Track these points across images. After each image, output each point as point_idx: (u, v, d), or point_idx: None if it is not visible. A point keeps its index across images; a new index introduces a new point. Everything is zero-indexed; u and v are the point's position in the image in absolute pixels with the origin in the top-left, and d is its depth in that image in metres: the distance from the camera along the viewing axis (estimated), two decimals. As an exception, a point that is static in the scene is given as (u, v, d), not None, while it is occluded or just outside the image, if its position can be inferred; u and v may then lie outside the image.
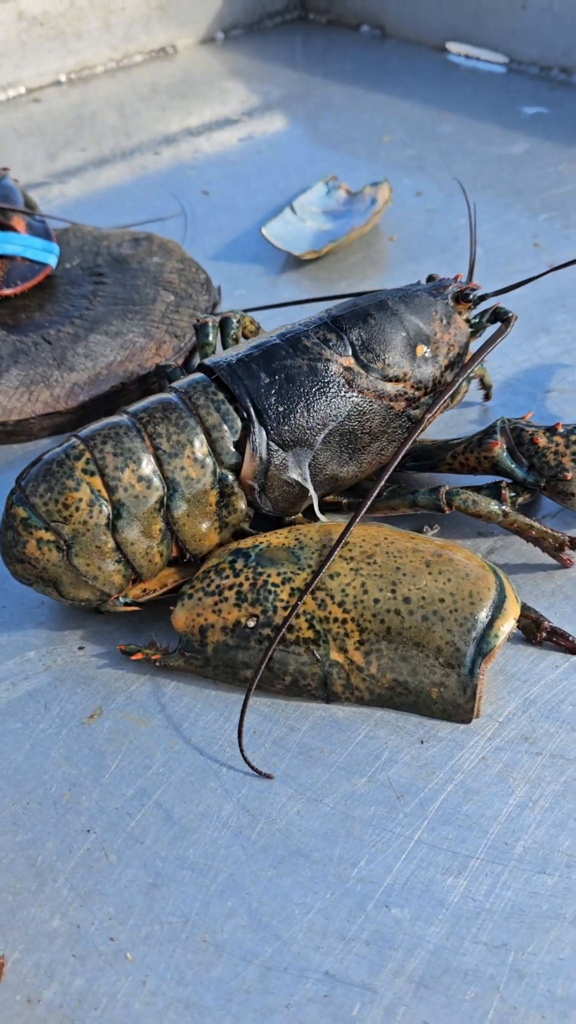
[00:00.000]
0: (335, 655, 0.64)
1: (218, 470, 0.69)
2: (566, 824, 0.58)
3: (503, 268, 1.12)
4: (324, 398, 0.72)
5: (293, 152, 1.47)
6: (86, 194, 1.40)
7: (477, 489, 0.74)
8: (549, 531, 0.72)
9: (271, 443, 0.70)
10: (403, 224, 1.22)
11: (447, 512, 0.72)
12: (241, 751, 0.62)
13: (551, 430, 0.74)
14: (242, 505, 0.71)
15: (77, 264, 1.10)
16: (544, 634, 0.68)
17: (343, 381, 0.72)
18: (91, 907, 0.56)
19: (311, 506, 0.74)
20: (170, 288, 1.04)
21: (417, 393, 0.75)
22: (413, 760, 0.62)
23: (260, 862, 0.58)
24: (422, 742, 0.63)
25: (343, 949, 0.54)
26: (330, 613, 0.64)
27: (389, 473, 0.70)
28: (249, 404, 0.70)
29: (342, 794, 0.61)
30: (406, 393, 0.75)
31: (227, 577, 0.67)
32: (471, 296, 0.79)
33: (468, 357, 0.79)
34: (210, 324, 0.84)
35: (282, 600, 0.65)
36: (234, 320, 0.85)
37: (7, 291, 1.03)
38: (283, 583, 0.66)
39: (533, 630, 0.68)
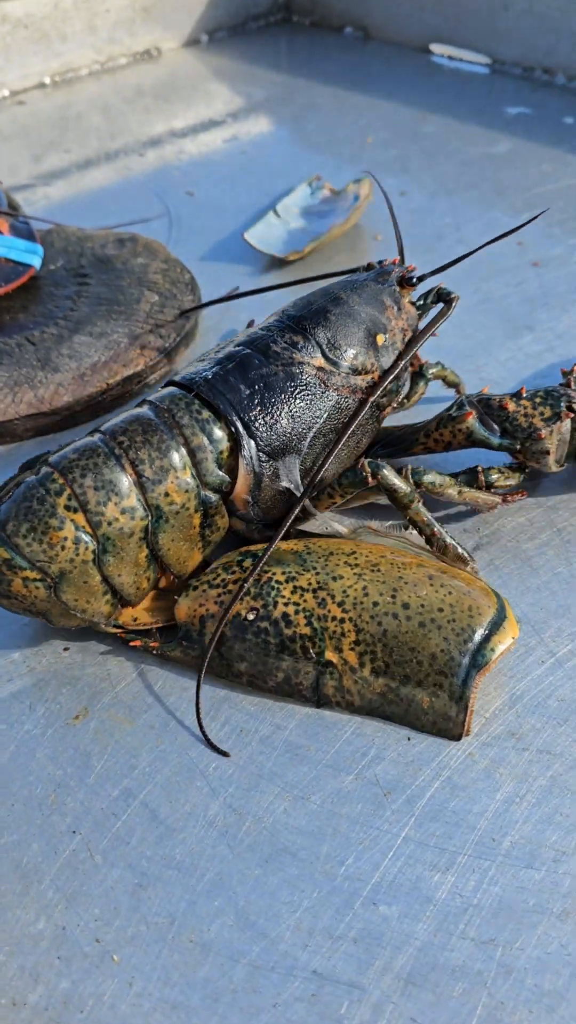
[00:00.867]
0: (330, 654, 0.64)
1: (202, 492, 0.68)
2: (552, 819, 0.58)
3: (486, 268, 1.12)
4: (305, 402, 0.71)
5: (277, 153, 1.47)
6: (70, 196, 1.39)
7: (455, 475, 0.76)
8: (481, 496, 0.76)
9: (261, 455, 0.69)
10: (388, 223, 1.21)
11: (372, 484, 0.71)
12: (199, 721, 0.64)
13: (516, 395, 0.77)
14: (224, 522, 0.71)
15: (61, 265, 1.10)
16: None
17: (319, 382, 0.72)
18: (77, 908, 0.56)
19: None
20: (155, 288, 1.04)
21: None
22: (400, 757, 0.62)
23: (247, 861, 0.58)
24: (408, 739, 0.63)
25: (330, 947, 0.54)
26: (329, 611, 0.64)
27: (330, 460, 0.71)
28: (236, 418, 0.69)
29: (329, 792, 0.61)
30: (375, 383, 0.75)
31: (233, 572, 0.68)
32: (413, 279, 0.80)
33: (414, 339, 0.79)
34: None
35: (284, 596, 0.65)
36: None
37: (-10, 292, 1.02)
38: (287, 581, 0.66)
39: None
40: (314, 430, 0.72)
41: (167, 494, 0.66)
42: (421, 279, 0.81)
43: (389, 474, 0.70)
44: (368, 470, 0.70)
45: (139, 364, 0.95)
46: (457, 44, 1.74)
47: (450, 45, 1.75)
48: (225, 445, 0.69)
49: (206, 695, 0.67)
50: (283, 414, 0.70)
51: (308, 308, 0.76)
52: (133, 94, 1.73)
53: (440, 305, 0.81)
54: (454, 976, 0.52)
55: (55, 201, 1.38)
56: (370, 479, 0.71)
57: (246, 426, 0.69)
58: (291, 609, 0.65)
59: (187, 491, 0.67)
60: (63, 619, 0.67)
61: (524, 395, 0.76)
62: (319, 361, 0.72)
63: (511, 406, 0.76)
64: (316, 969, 0.53)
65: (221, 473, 0.69)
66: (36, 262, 1.06)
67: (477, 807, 0.59)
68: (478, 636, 0.63)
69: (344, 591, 0.65)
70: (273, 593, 0.66)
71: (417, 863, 0.57)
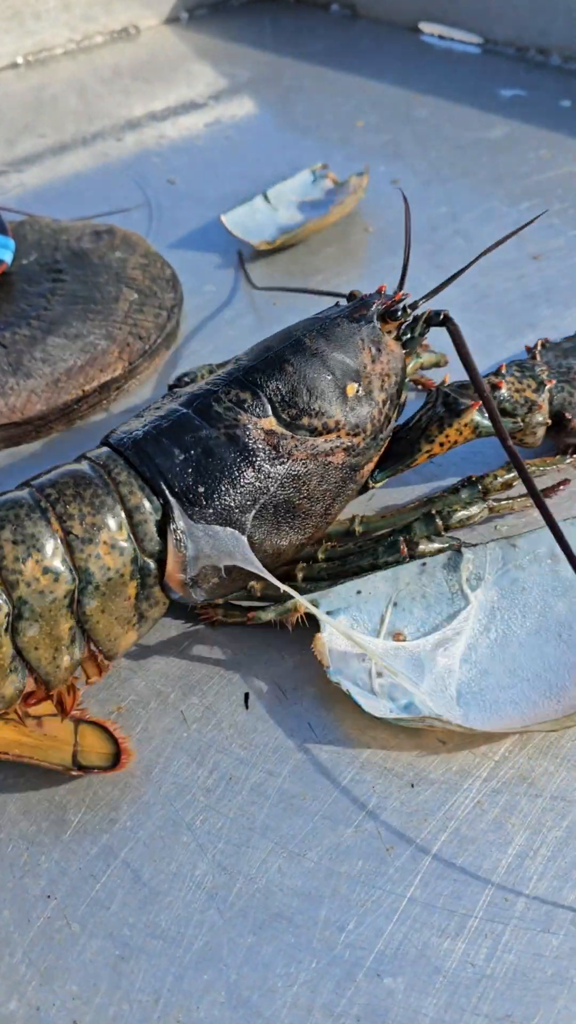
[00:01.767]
0: None
1: (139, 557, 0.60)
2: (570, 875, 0.54)
3: (484, 261, 1.06)
4: (250, 470, 0.62)
5: (263, 138, 1.41)
6: (45, 183, 1.33)
7: (455, 491, 0.71)
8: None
9: (195, 531, 0.61)
10: (380, 213, 1.16)
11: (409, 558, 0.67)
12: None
13: (497, 374, 0.73)
14: (165, 597, 0.63)
15: (34, 260, 1.03)
16: None
17: (267, 447, 0.63)
18: (52, 985, 0.51)
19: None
20: (133, 285, 0.97)
21: (355, 440, 0.66)
22: (403, 806, 0.57)
23: (238, 928, 0.53)
24: (412, 785, 0.58)
25: (331, 1027, 0.49)
26: None
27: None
28: (164, 487, 0.61)
29: (327, 847, 0.56)
30: (342, 444, 0.65)
31: None
32: (398, 310, 0.69)
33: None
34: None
35: None
36: (198, 374, 0.80)
37: (-42, 290, 0.96)
38: None
39: None
40: (261, 501, 0.63)
41: (98, 555, 0.58)
42: (414, 306, 0.70)
43: (427, 549, 0.66)
44: (407, 553, 0.66)
45: (117, 369, 0.89)
46: (448, 23, 1.67)
47: (440, 24, 1.69)
48: (161, 514, 0.61)
49: (190, 741, 0.62)
50: (222, 484, 0.62)
51: (262, 357, 0.66)
52: (110, 75, 1.65)
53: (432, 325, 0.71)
54: (467, 1060, 0.47)
55: (29, 188, 1.31)
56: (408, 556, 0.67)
57: (178, 496, 0.61)
58: None
59: (122, 554, 0.59)
60: None
61: (503, 372, 0.73)
62: (269, 423, 0.63)
63: (504, 385, 0.73)
64: (316, 1053, 0.48)
65: (162, 541, 0.61)
66: (7, 257, 1.00)
67: (488, 863, 0.55)
68: None
69: None
70: None
71: (424, 927, 0.52)
